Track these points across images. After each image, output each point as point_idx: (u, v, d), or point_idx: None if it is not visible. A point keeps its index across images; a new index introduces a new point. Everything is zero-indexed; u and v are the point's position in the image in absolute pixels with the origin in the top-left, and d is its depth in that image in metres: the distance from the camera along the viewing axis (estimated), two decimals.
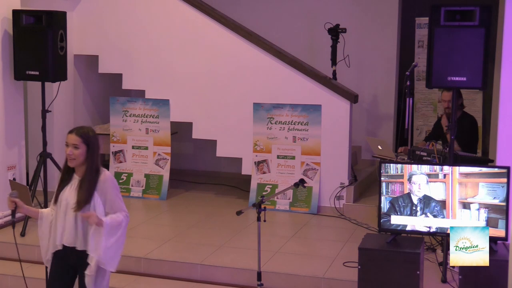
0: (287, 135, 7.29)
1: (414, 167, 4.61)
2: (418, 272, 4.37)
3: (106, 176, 3.97)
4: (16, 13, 6.53)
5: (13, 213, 4.02)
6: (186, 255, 5.81)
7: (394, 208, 4.61)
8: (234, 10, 8.67)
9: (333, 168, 7.17)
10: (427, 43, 5.29)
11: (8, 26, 6.57)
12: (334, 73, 7.82)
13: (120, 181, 7.68)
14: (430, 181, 4.55)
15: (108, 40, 7.85)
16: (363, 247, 4.53)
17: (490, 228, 4.03)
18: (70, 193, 3.96)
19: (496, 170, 4.46)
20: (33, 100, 7.68)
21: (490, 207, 4.42)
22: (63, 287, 4.06)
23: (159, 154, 7.75)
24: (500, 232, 4.38)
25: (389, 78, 8.84)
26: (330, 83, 7.30)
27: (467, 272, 4.29)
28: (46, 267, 4.32)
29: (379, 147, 6.63)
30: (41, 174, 6.58)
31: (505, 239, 4.39)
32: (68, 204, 3.95)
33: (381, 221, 4.64)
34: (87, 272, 3.92)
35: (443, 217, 4.53)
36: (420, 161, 5.85)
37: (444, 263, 5.22)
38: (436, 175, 4.55)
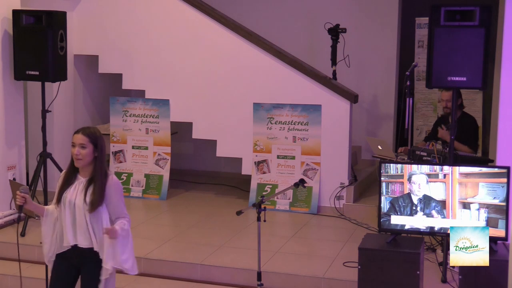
0: (287, 135, 7.29)
1: (414, 167, 4.61)
2: (418, 272, 4.37)
3: (113, 180, 3.99)
4: (16, 13, 6.53)
5: (21, 208, 3.97)
6: (186, 255, 5.81)
7: (394, 208, 4.61)
8: (234, 10, 8.67)
9: (333, 168, 7.17)
10: (427, 43, 5.29)
11: (8, 26, 6.57)
12: (334, 73, 7.83)
13: (120, 181, 7.63)
14: (430, 181, 4.55)
15: (108, 40, 7.85)
16: (363, 247, 4.53)
17: (490, 228, 4.03)
18: (77, 195, 3.94)
19: (496, 170, 4.46)
20: (33, 100, 7.68)
21: (490, 207, 4.42)
22: (66, 287, 4.06)
23: (159, 154, 7.75)
24: (500, 232, 4.38)
25: (389, 78, 8.84)
26: (330, 83, 7.30)
27: (467, 272, 4.29)
28: (46, 266, 4.32)
29: (379, 147, 6.64)
30: (41, 174, 6.58)
31: (505, 239, 4.39)
32: (77, 205, 3.93)
33: (381, 221, 4.64)
34: (102, 277, 3.94)
35: (443, 217, 4.53)
36: (420, 161, 5.85)
37: (444, 263, 5.22)
38: (436, 175, 4.55)
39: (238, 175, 7.81)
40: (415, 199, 4.58)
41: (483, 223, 4.41)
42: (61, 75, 6.69)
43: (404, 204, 4.60)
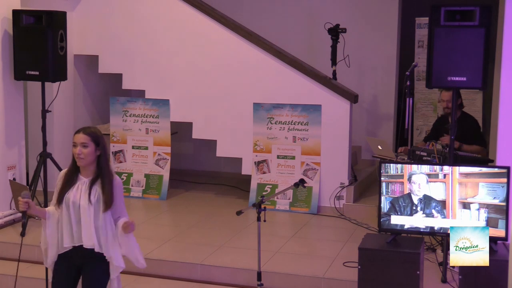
0: (287, 135, 7.29)
1: (414, 167, 4.61)
2: (418, 272, 4.37)
3: (117, 180, 4.01)
4: (16, 13, 6.53)
5: (24, 214, 3.92)
6: (186, 255, 5.81)
7: (394, 208, 4.61)
8: (234, 10, 8.68)
9: (333, 168, 7.17)
10: (427, 43, 5.29)
11: (8, 26, 6.57)
12: (334, 73, 7.82)
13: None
14: (430, 181, 4.55)
15: (108, 40, 7.85)
16: (363, 247, 4.53)
17: (490, 228, 4.04)
18: (81, 195, 3.93)
19: (496, 170, 4.46)
20: (33, 100, 7.67)
21: (490, 207, 4.42)
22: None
23: (159, 154, 7.75)
24: (500, 232, 4.38)
25: (389, 78, 8.84)
26: (330, 83, 7.30)
27: (467, 272, 4.29)
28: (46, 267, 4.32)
29: (379, 147, 6.63)
30: (41, 174, 6.58)
31: (505, 239, 4.39)
32: (81, 206, 3.92)
33: (381, 221, 4.64)
34: (112, 275, 3.99)
35: (443, 217, 4.53)
36: (420, 161, 5.85)
37: (444, 263, 5.22)
38: (436, 175, 4.55)
39: (238, 175, 7.80)
40: (415, 199, 4.58)
41: (483, 223, 4.41)
42: (61, 75, 6.69)
43: (404, 204, 4.60)
